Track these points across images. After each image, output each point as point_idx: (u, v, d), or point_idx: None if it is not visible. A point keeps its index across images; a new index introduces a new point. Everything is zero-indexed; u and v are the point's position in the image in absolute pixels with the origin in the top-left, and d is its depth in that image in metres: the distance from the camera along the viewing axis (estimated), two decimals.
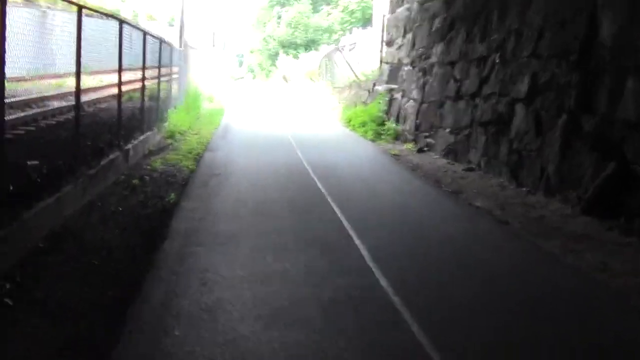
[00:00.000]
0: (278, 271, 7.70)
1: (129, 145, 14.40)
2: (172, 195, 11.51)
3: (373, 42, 29.37)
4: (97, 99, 15.67)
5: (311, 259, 8.23)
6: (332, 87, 34.42)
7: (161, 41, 20.45)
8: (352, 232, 9.57)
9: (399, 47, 22.54)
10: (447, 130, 17.39)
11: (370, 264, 8.10)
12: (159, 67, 20.34)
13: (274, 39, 72.07)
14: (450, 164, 16.54)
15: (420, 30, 20.22)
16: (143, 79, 17.33)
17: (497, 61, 14.95)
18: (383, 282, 7.43)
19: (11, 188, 7.49)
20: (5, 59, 7.19)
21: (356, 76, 28.98)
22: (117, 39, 13.89)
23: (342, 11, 69.14)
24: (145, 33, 17.20)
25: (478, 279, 7.88)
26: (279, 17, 76.66)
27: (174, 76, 26.31)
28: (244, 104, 36.85)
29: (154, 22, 79.81)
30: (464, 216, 11.44)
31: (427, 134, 18.91)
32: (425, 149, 18.67)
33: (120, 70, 14.04)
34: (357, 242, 9.06)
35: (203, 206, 10.97)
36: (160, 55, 20.30)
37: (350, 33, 51.81)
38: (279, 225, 9.90)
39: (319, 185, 13.09)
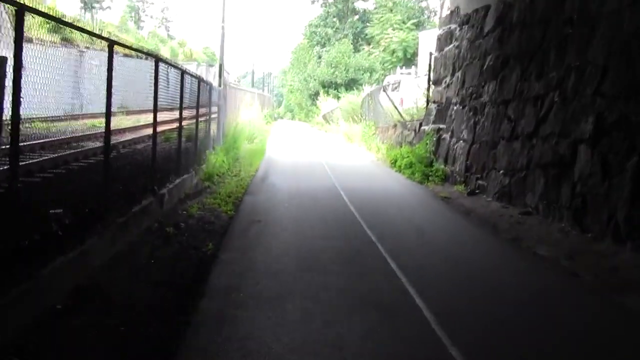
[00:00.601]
0: (331, 339, 6.71)
1: (164, 190, 13.59)
2: (210, 246, 10.60)
3: (418, 81, 28.51)
4: (131, 139, 14.95)
5: (368, 324, 7.25)
6: (376, 127, 33.53)
7: (200, 80, 19.77)
8: (410, 288, 8.59)
9: (447, 86, 21.63)
10: (501, 171, 16.37)
11: (436, 327, 7.11)
12: (197, 107, 19.65)
13: (314, 79, 71.73)
14: (504, 207, 15.50)
15: (471, 68, 19.31)
16: (180, 119, 16.60)
17: (557, 100, 13.96)
18: (454, 351, 6.44)
19: (26, 243, 6.66)
20: (21, 99, 6.46)
21: (401, 115, 28.09)
22: (153, 77, 13.17)
23: (383, 51, 68.69)
24: (183, 72, 16.48)
25: (562, 347, 6.84)
26: (320, 57, 76.62)
27: (213, 116, 25.65)
28: (284, 145, 36.03)
29: (194, 62, 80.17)
30: (529, 268, 10.43)
31: (478, 175, 17.90)
32: (477, 191, 17.64)
33: (155, 109, 13.27)
34: (418, 300, 8.08)
35: (244, 259, 10.04)
36: (199, 94, 19.61)
37: (393, 72, 51.16)
38: (329, 283, 8.89)
39: (369, 233, 12.11)
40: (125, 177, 11.58)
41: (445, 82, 21.96)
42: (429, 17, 75.23)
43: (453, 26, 21.66)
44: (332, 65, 69.26)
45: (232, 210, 14.18)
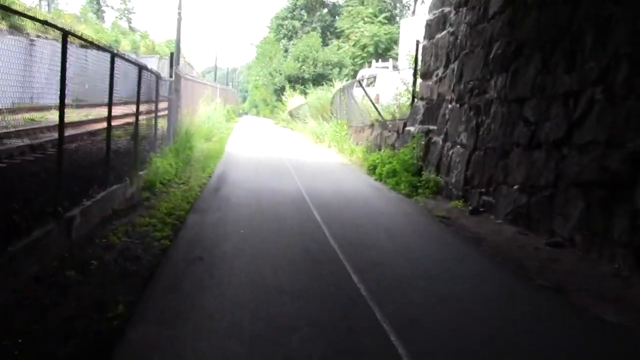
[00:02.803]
0: None
1: (76, 210, 9.97)
2: (121, 308, 7.00)
3: (400, 75, 25.01)
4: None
5: None
6: (348, 127, 29.96)
7: (141, 68, 16.13)
8: None
9: (439, 80, 18.13)
10: (515, 187, 12.93)
11: None
12: (137, 101, 16.07)
13: (280, 73, 68.18)
14: (522, 233, 12.09)
15: (471, 58, 15.81)
16: (109, 115, 13.06)
17: (599, 98, 10.56)
18: None
19: None
20: None
21: (379, 114, 24.54)
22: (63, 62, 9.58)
23: (354, 45, 65.46)
24: (113, 55, 12.87)
25: None
26: (286, 51, 73.17)
27: (164, 113, 22.04)
28: (246, 145, 32.26)
29: (156, 55, 76.35)
30: (601, 344, 6.95)
31: (482, 190, 14.45)
32: (481, 209, 14.20)
33: (62, 103, 9.63)
34: None
35: (163, 339, 6.33)
36: (140, 86, 16.01)
37: (368, 66, 47.85)
38: None
39: (358, 283, 8.45)
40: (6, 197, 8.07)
41: (437, 75, 18.46)
42: (401, 11, 72.07)
43: (447, 9, 18.18)
44: (300, 60, 65.75)
45: (169, 236, 10.60)
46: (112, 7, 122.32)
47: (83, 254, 9.07)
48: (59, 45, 9.53)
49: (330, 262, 9.42)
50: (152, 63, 23.61)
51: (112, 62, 12.76)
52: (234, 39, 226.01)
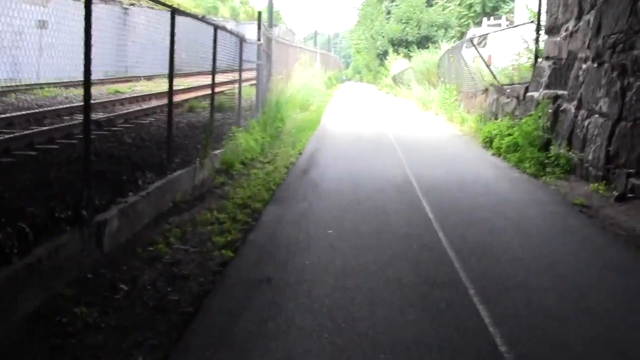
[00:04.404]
0: None
1: (111, 212, 7.63)
2: None
3: (514, 33, 21.87)
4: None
5: None
6: (458, 92, 26.97)
7: (216, 28, 13.76)
8: None
9: (570, 35, 15.05)
10: None
11: None
12: (213, 69, 13.80)
13: (383, 36, 64.98)
14: None
15: (612, 6, 12.73)
16: (170, 86, 10.81)
17: None
18: None
19: None
20: None
21: (495, 77, 21.53)
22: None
23: (459, 4, 61.71)
24: (174, 10, 10.51)
25: None
26: (388, 12, 69.82)
27: (247, 83, 19.79)
28: (344, 114, 29.54)
29: (255, 22, 74.24)
30: None
31: (631, 170, 11.51)
32: (630, 195, 11.28)
33: (88, 78, 7.27)
34: None
35: None
36: (215, 52, 13.72)
37: (475, 26, 44.51)
38: None
39: (484, 316, 5.95)
40: None
41: (566, 29, 15.35)
42: None
43: None
44: (403, 21, 62.30)
45: (235, 241, 8.18)
46: None
47: (112, 274, 6.75)
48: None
49: (449, 285, 6.75)
50: (252, 30, 21.22)
51: (172, 23, 10.42)
52: (336, 2, 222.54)
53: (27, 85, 16.31)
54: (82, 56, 7.07)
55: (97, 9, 7.40)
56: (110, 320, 5.71)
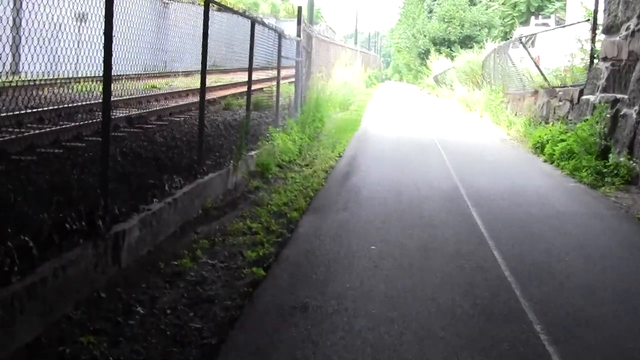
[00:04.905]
0: None
1: (130, 222, 6.86)
2: None
3: (565, 33, 20.82)
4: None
5: None
6: (504, 94, 25.92)
7: (253, 22, 13.01)
8: None
9: (632, 35, 14.00)
10: None
11: None
12: (249, 67, 13.10)
13: (424, 35, 63.91)
14: None
15: None
16: (202, 83, 10.11)
17: None
18: None
19: None
20: None
21: (545, 79, 20.50)
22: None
23: (503, 4, 60.49)
24: (207, 2, 9.78)
25: None
26: (430, 11, 68.73)
27: (286, 80, 19.07)
28: (386, 114, 28.59)
29: (295, 19, 73.55)
30: None
31: None
32: None
33: (108, 73, 6.56)
34: None
35: None
36: (252, 47, 12.98)
37: (521, 25, 43.37)
38: None
39: (544, 341, 5.18)
40: None
41: (628, 28, 14.31)
42: None
43: None
44: (445, 20, 61.16)
45: (268, 257, 7.39)
46: None
47: (128, 293, 5.99)
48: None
49: (510, 318, 5.85)
50: (291, 27, 20.50)
51: (206, 15, 9.70)
52: (377, 1, 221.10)
53: (64, 79, 15.84)
54: (110, 49, 6.37)
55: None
56: (121, 353, 4.94)
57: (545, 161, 15.36)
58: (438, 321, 5.73)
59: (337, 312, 5.84)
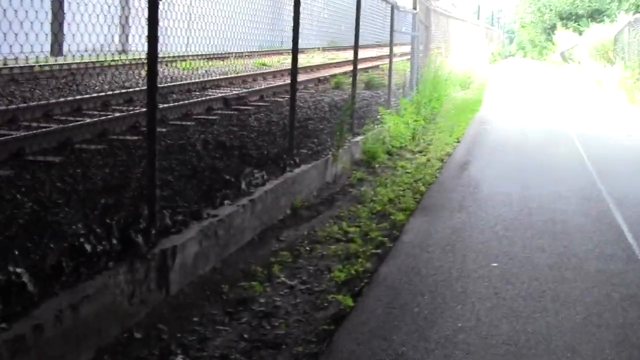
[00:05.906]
0: None
1: (186, 234, 5.46)
2: None
3: None
4: None
5: None
6: None
7: None
8: None
9: None
10: None
11: None
12: (355, 43, 11.70)
13: (550, 9, 60.90)
14: None
15: None
16: (295, 59, 8.71)
17: None
18: None
19: None
20: None
21: None
22: None
23: None
24: None
25: None
26: None
27: (399, 57, 17.55)
28: (508, 94, 26.36)
29: None
30: None
31: None
32: None
33: (155, 53, 5.20)
34: None
35: None
36: (358, 19, 11.56)
37: None
38: None
39: None
40: None
41: None
42: None
43: None
44: None
45: (362, 278, 5.87)
46: None
47: (172, 332, 4.60)
48: None
49: None
50: (408, 2, 18.91)
51: None
52: None
53: (170, 57, 15.09)
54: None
55: None
56: None
57: None
58: None
59: None
